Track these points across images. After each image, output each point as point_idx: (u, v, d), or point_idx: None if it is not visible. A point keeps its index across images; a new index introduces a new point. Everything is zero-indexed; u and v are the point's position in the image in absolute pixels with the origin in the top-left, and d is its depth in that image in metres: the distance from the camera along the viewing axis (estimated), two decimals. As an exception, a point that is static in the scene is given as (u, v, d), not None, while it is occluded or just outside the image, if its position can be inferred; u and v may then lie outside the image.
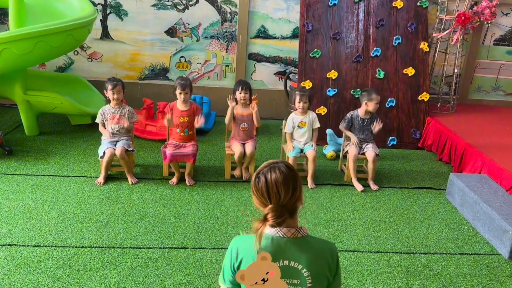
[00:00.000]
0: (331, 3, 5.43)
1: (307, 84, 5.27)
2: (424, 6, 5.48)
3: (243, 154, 4.12)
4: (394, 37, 5.42)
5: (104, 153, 3.91)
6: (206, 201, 3.80)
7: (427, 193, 4.24)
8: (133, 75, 6.03)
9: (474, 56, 6.10)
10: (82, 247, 3.05)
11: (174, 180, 4.07)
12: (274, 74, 6.10)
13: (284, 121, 4.33)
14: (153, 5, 5.77)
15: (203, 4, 5.79)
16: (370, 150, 4.22)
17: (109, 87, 3.98)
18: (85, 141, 4.91)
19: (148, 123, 5.17)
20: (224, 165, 4.33)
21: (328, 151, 4.91)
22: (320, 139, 5.09)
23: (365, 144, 4.32)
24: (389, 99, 5.36)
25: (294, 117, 4.21)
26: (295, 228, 1.54)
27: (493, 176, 4.02)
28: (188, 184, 4.06)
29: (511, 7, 5.94)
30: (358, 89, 5.27)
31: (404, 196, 4.14)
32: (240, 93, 4.15)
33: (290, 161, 4.03)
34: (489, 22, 5.58)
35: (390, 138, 5.33)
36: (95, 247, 3.06)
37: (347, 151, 4.31)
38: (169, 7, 5.78)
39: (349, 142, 4.37)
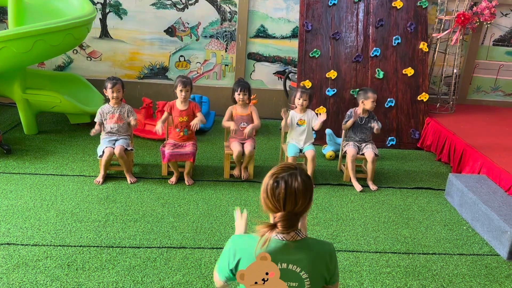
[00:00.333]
0: (330, 3, 5.43)
1: (307, 84, 5.27)
2: (423, 6, 5.49)
3: (242, 154, 4.12)
4: (394, 37, 5.42)
5: (103, 152, 3.91)
6: (205, 201, 3.79)
7: (426, 193, 4.24)
8: (132, 74, 6.03)
9: (473, 57, 6.10)
10: (80, 246, 3.05)
11: (173, 179, 4.07)
12: (273, 73, 6.10)
13: (283, 121, 4.33)
14: (153, 4, 5.76)
15: (202, 3, 5.78)
16: (369, 151, 4.23)
17: (109, 85, 3.98)
18: (84, 140, 4.90)
19: (147, 122, 5.16)
20: (223, 164, 4.33)
21: (327, 151, 4.91)
22: (319, 139, 5.11)
23: (364, 144, 4.32)
24: (389, 99, 5.36)
25: (293, 114, 4.21)
26: (294, 231, 1.53)
27: (492, 176, 4.03)
28: (187, 184, 4.06)
29: (510, 7, 5.95)
30: (358, 89, 5.27)
31: (403, 196, 4.14)
32: (239, 95, 4.15)
33: (290, 160, 4.03)
34: (488, 22, 5.58)
35: (389, 138, 5.34)
36: (94, 246, 3.05)
37: (345, 151, 4.31)
38: (168, 6, 5.78)
39: (348, 142, 4.37)
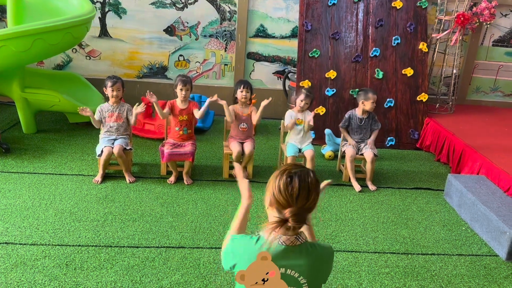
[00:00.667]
0: (330, 2, 5.43)
1: (306, 84, 5.26)
2: (423, 7, 5.48)
3: (242, 154, 4.11)
4: (393, 37, 5.42)
5: (102, 151, 3.90)
6: (204, 201, 3.79)
7: (425, 193, 4.24)
8: (131, 73, 6.02)
9: (473, 57, 6.10)
10: (79, 245, 3.04)
11: (172, 179, 4.06)
12: (273, 73, 6.09)
13: (282, 121, 4.33)
14: (152, 3, 5.75)
15: (202, 2, 5.77)
16: (368, 151, 4.22)
17: (109, 84, 3.98)
18: (83, 139, 4.89)
19: (147, 121, 5.16)
20: (222, 164, 4.33)
21: (327, 151, 4.91)
22: (319, 139, 5.10)
23: (364, 144, 4.32)
24: (388, 99, 5.36)
25: (292, 114, 4.21)
26: (294, 236, 1.52)
27: (491, 177, 4.03)
28: (186, 183, 4.05)
29: (510, 8, 5.95)
30: (357, 89, 5.26)
31: (402, 197, 4.14)
32: (242, 92, 4.14)
33: (289, 160, 4.03)
34: (488, 23, 5.58)
35: (389, 138, 5.33)
36: (92, 246, 3.05)
37: (344, 151, 4.31)
38: (168, 5, 5.77)
39: (346, 142, 4.37)
